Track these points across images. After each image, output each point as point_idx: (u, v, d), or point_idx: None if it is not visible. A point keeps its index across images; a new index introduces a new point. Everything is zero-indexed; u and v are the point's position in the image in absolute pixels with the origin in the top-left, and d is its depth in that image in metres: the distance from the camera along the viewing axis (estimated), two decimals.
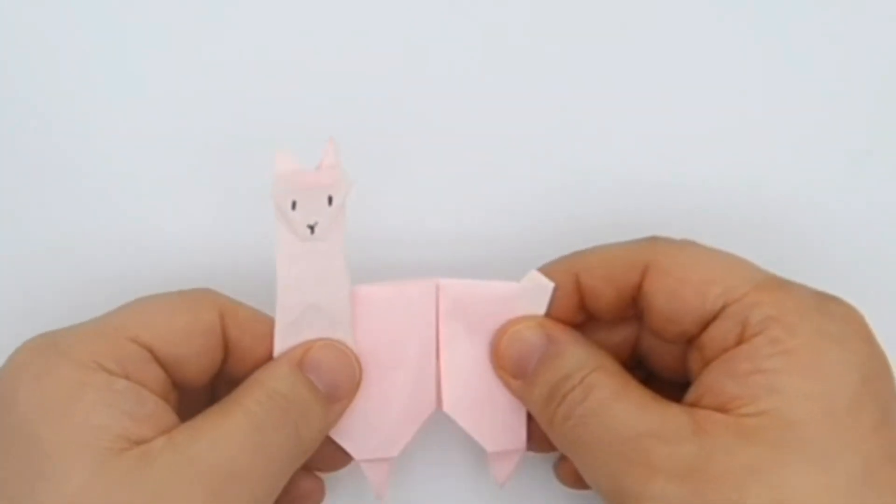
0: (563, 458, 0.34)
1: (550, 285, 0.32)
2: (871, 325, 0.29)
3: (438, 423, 0.34)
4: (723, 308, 0.30)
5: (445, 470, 0.37)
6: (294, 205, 0.30)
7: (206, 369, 0.32)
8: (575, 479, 0.34)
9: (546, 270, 0.32)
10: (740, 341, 0.29)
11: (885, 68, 0.38)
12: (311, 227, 0.31)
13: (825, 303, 0.29)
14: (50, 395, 0.28)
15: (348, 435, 0.33)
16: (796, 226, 0.38)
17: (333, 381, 0.31)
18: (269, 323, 0.32)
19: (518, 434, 0.33)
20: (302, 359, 0.31)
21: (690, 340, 0.31)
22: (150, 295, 0.31)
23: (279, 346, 0.32)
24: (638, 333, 0.33)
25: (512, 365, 0.32)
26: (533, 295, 0.32)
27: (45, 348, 0.29)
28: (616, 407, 0.29)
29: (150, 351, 0.30)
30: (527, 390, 0.32)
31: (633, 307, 0.32)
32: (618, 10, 0.38)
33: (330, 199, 0.31)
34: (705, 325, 0.30)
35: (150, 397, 0.29)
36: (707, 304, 0.30)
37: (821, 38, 0.38)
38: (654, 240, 0.32)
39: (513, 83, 0.38)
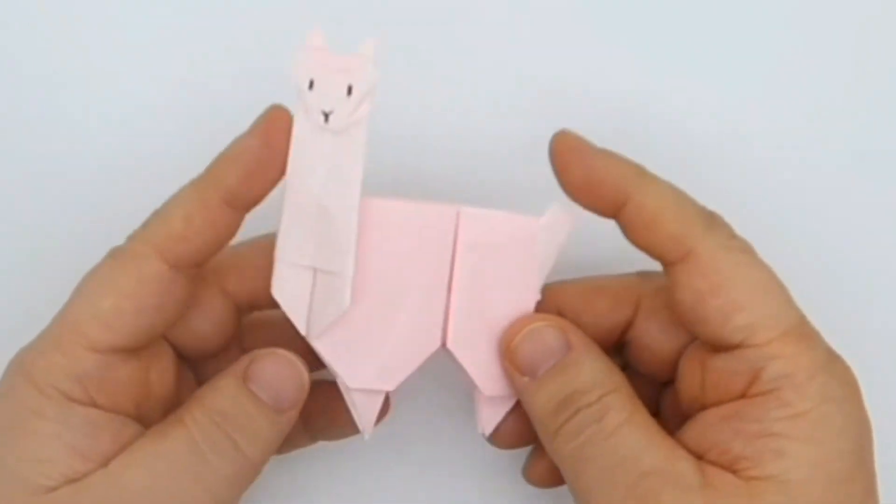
0: (534, 458, 0.34)
1: (571, 219, 0.31)
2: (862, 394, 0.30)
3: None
4: (739, 345, 0.29)
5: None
6: (312, 84, 0.28)
7: (199, 334, 0.31)
8: (545, 479, 0.33)
9: (612, 159, 0.30)
10: (747, 392, 0.29)
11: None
12: (326, 116, 0.28)
13: (832, 363, 0.29)
14: (11, 418, 0.28)
15: (343, 359, 0.30)
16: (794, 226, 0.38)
17: (279, 391, 0.30)
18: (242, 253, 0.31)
19: None
20: (246, 371, 0.30)
21: (692, 341, 0.31)
22: (94, 273, 0.30)
23: (281, 247, 0.30)
24: (634, 317, 0.33)
25: (523, 363, 0.30)
26: (553, 229, 0.31)
27: (15, 366, 0.29)
28: (630, 436, 0.29)
29: (107, 350, 0.29)
30: (533, 391, 0.30)
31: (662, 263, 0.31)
32: (618, 12, 0.39)
33: (350, 90, 0.28)
34: (717, 347, 0.30)
35: (107, 429, 0.29)
36: (726, 331, 0.29)
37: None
38: (709, 223, 0.30)
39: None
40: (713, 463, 0.29)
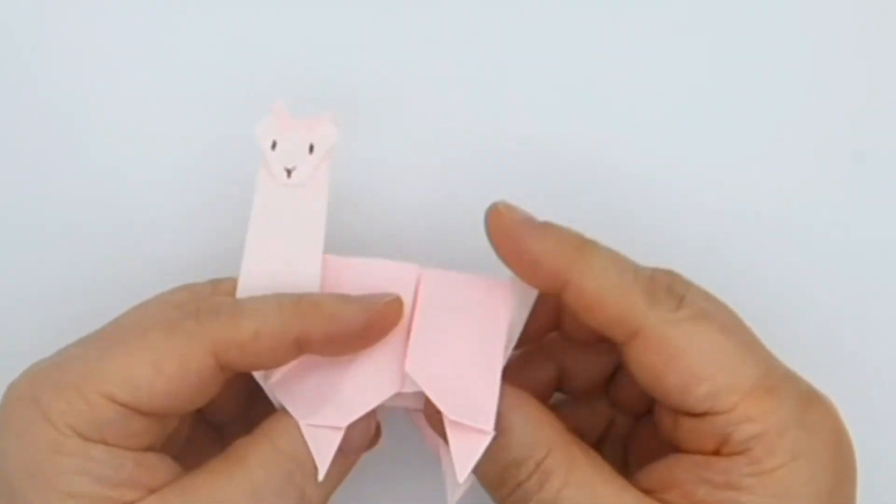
0: None
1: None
2: (844, 425, 0.29)
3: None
4: (706, 413, 0.29)
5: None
6: (274, 145, 0.31)
7: (219, 405, 0.31)
8: None
9: (549, 237, 0.29)
10: (718, 451, 0.29)
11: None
12: (289, 172, 0.31)
13: (804, 412, 0.29)
14: (32, 456, 0.28)
15: (298, 399, 0.30)
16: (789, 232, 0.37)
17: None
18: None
19: (486, 413, 0.29)
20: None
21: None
22: (135, 328, 0.29)
23: (241, 294, 0.30)
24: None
25: None
26: (519, 294, 0.31)
27: (29, 402, 0.28)
28: (573, 494, 0.28)
29: (131, 408, 0.28)
30: None
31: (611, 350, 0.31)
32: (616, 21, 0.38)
33: (311, 148, 0.30)
34: (683, 413, 0.29)
35: (129, 458, 0.28)
36: (688, 401, 0.29)
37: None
38: (651, 297, 0.29)
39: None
40: (668, 503, 0.29)
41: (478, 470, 0.29)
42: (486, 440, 0.29)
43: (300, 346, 0.29)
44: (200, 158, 0.37)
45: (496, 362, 0.30)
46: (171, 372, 0.28)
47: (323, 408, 0.29)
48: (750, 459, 0.28)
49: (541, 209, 0.30)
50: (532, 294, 0.30)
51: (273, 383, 0.30)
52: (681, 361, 0.28)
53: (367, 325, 0.29)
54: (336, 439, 0.29)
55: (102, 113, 0.37)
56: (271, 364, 0.29)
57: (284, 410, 0.29)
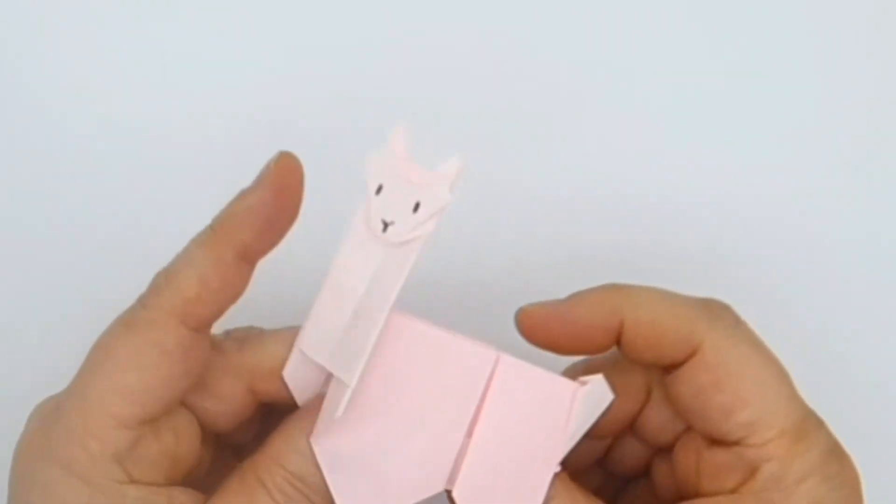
0: None
1: (610, 397, 0.29)
2: (861, 484, 0.30)
3: None
4: (739, 442, 0.29)
5: None
6: (380, 189, 0.26)
7: (223, 423, 0.30)
8: None
9: (592, 301, 0.30)
10: (740, 489, 0.29)
11: None
12: (386, 225, 0.26)
13: (828, 463, 0.29)
14: None
15: (339, 473, 0.28)
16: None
17: None
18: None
19: None
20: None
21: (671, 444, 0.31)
22: (99, 352, 0.28)
23: (304, 336, 0.28)
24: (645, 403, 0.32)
25: None
26: (593, 399, 0.29)
27: (45, 453, 0.28)
28: None
29: (138, 420, 0.28)
30: None
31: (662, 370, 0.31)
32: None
33: (417, 206, 0.26)
34: (716, 441, 0.29)
35: (161, 494, 0.28)
36: (727, 426, 0.29)
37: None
38: (710, 316, 0.29)
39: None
40: None
41: None
42: None
43: (247, 261, 0.28)
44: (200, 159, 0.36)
45: (547, 473, 0.29)
46: (153, 363, 0.27)
47: (362, 495, 0.28)
48: (765, 502, 0.28)
49: None
50: (605, 401, 0.29)
51: (318, 449, 0.28)
52: (732, 382, 0.29)
53: (278, 195, 0.28)
54: None
55: (100, 110, 0.37)
56: (235, 299, 0.28)
57: (291, 417, 0.29)
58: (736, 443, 0.29)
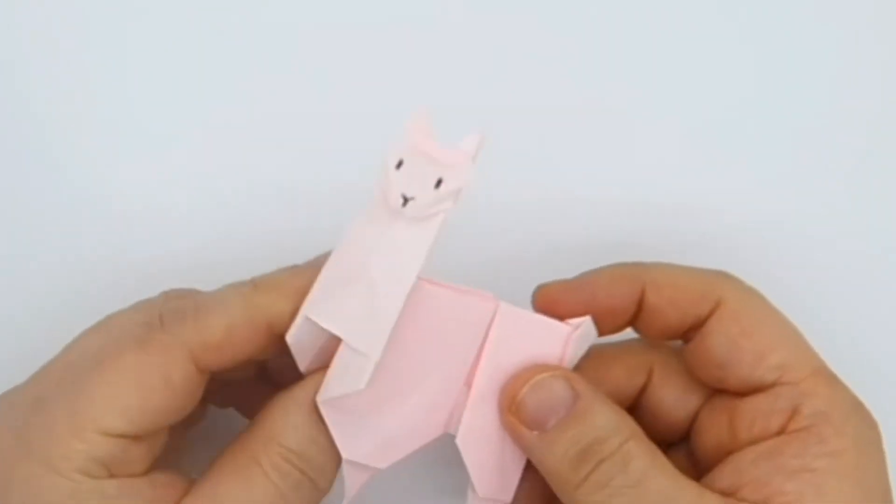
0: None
1: (595, 335, 0.31)
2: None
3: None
4: (775, 384, 0.29)
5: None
6: (400, 164, 0.26)
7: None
8: None
9: (611, 273, 0.31)
10: (786, 429, 0.29)
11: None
12: (406, 200, 0.26)
13: (861, 406, 0.29)
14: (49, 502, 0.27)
15: (344, 427, 0.29)
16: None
17: None
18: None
19: (509, 486, 0.31)
20: (315, 399, 0.29)
21: (710, 398, 0.31)
22: (104, 353, 0.28)
23: (312, 303, 0.28)
24: (647, 383, 0.32)
25: (530, 416, 0.29)
26: (582, 341, 0.30)
27: (26, 455, 0.27)
28: (658, 482, 0.28)
29: (128, 437, 0.28)
30: (545, 445, 0.29)
31: (683, 337, 0.31)
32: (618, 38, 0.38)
33: (439, 183, 0.26)
34: (750, 390, 0.30)
35: (142, 483, 0.28)
36: (760, 370, 0.30)
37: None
38: (725, 277, 0.31)
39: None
40: (744, 500, 0.28)
41: (546, 460, 0.29)
42: None
43: (276, 333, 0.28)
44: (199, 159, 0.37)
45: None
46: (156, 389, 0.27)
47: (367, 445, 0.29)
48: (819, 438, 0.28)
49: None
50: (592, 337, 0.31)
51: (324, 408, 0.29)
52: (757, 331, 0.30)
53: None
54: (365, 476, 0.30)
55: (97, 112, 0.37)
56: (253, 353, 0.29)
57: (284, 393, 0.29)
58: (773, 384, 0.29)
